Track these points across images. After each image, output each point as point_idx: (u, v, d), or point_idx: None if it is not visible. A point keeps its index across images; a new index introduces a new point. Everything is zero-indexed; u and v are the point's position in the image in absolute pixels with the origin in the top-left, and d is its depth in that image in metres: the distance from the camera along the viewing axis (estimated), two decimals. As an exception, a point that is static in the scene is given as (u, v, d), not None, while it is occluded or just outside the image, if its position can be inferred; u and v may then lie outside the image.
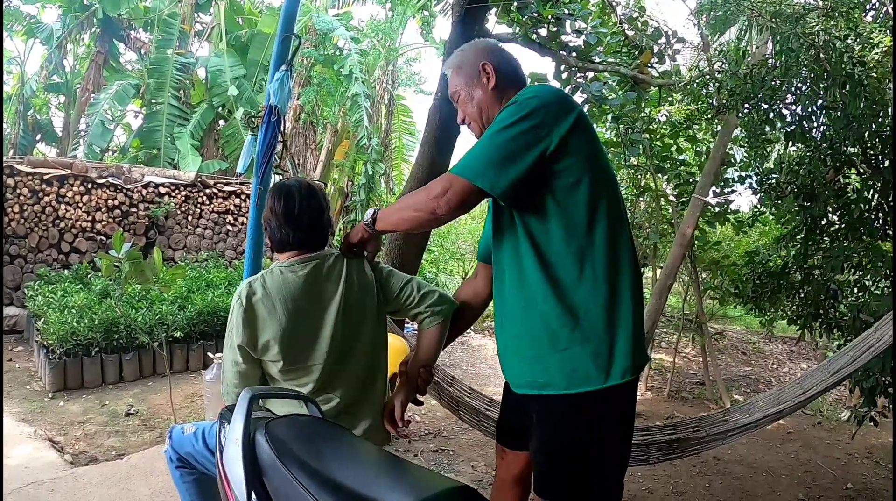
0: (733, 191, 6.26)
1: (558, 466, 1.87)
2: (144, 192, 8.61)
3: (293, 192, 2.12)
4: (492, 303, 2.13)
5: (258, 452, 1.26)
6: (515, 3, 4.76)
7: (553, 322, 1.81)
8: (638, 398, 6.28)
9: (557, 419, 1.87)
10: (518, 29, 4.88)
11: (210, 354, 4.67)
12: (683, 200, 6.61)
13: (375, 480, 1.13)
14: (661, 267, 6.61)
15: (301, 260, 2.09)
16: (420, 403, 2.28)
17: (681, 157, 6.98)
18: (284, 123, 3.25)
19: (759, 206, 5.67)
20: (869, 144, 4.16)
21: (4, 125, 12.45)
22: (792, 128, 4.43)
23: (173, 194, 8.95)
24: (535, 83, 4.38)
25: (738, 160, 6.95)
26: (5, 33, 12.58)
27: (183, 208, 9.07)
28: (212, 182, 9.51)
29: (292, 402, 1.83)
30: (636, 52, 5.58)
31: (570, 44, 5.12)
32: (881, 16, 5.06)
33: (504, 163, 1.74)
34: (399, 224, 1.99)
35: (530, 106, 1.77)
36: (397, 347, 2.63)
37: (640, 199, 7.68)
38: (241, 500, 1.22)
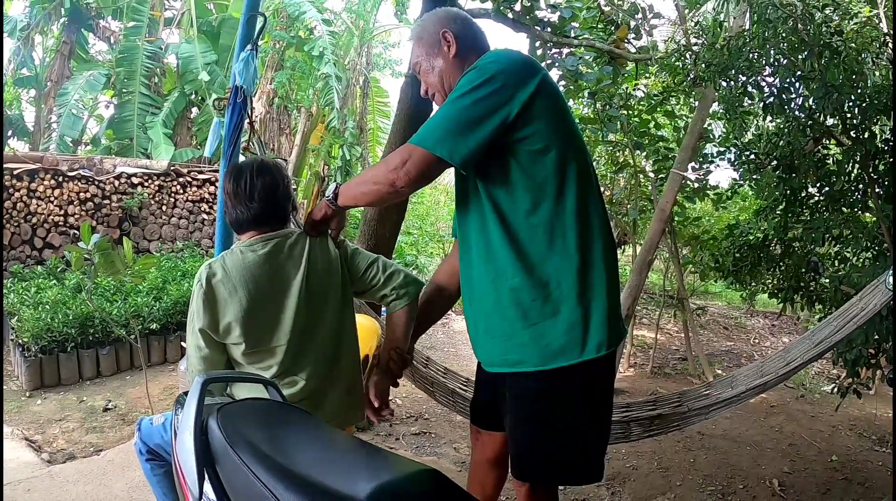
0: (712, 162, 6.24)
1: (538, 445, 1.82)
2: (117, 183, 8.43)
3: (244, 170, 2.07)
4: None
5: (210, 439, 1.19)
6: (488, -22, 4.69)
7: (524, 296, 1.76)
8: (620, 375, 6.30)
9: (533, 397, 1.81)
10: (491, 4, 4.80)
11: (184, 344, 4.59)
12: (662, 175, 6.59)
13: (333, 465, 1.06)
14: (641, 244, 6.59)
15: (261, 239, 2.03)
16: (396, 385, 2.22)
17: (659, 132, 6.96)
18: (251, 104, 3.15)
19: (737, 180, 5.65)
20: (848, 115, 4.13)
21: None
22: (770, 100, 4.39)
23: (146, 184, 8.78)
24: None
25: (717, 136, 6.94)
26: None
27: (157, 198, 8.89)
28: (185, 171, 9.35)
29: (258, 387, 1.76)
30: (612, 28, 5.52)
31: (545, 19, 5.06)
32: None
33: (464, 130, 1.67)
34: (360, 198, 1.94)
35: (491, 71, 1.71)
36: (368, 327, 2.57)
37: (619, 176, 7.66)
38: (194, 489, 1.15)
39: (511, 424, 1.88)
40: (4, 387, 5.50)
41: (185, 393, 1.40)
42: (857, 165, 4.20)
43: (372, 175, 1.85)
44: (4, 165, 7.47)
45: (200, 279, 1.95)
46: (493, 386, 1.97)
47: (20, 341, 5.57)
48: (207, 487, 1.14)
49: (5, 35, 12.46)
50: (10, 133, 13.54)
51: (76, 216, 7.98)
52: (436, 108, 2.00)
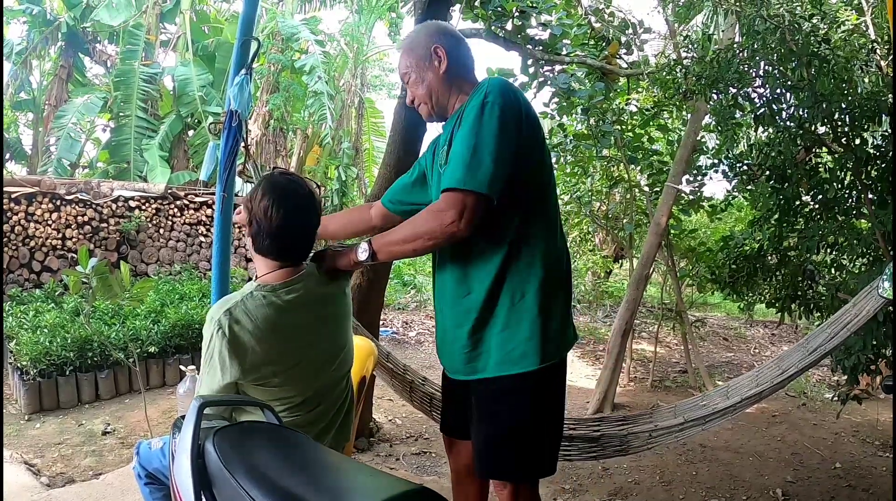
0: (705, 175, 6.26)
1: (496, 443, 1.92)
2: (114, 206, 8.46)
3: (288, 199, 1.88)
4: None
5: (207, 462, 1.19)
6: (479, -2, 4.71)
7: (492, 308, 1.87)
8: (620, 389, 6.27)
9: (492, 400, 1.92)
10: (483, 24, 4.83)
11: (183, 367, 4.58)
12: (657, 189, 6.61)
13: (327, 486, 1.07)
14: (638, 258, 6.61)
15: (285, 284, 1.90)
16: None
17: (653, 147, 6.99)
18: (246, 128, 3.16)
19: (732, 191, 5.67)
20: (839, 123, 4.16)
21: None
22: (761, 110, 4.42)
23: (143, 207, 8.81)
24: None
25: (710, 148, 6.97)
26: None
27: (154, 222, 8.92)
28: (182, 194, 9.38)
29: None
30: (603, 44, 5.57)
31: (536, 37, 5.09)
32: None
33: (500, 168, 1.74)
34: (410, 254, 1.94)
35: (504, 103, 1.78)
36: (365, 348, 2.57)
37: (614, 191, 7.68)
38: (191, 513, 1.16)
39: (475, 427, 1.98)
40: (3, 411, 5.49)
41: (183, 417, 1.41)
42: (849, 173, 4.22)
43: (424, 231, 1.79)
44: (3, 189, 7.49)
45: (222, 327, 1.78)
46: (460, 394, 2.06)
47: (19, 364, 5.55)
48: (204, 510, 1.14)
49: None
50: (7, 157, 13.56)
51: (74, 240, 8.00)
52: (433, 128, 2.06)
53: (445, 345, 2.03)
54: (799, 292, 4.82)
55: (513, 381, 1.85)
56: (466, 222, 1.72)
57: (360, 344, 2.44)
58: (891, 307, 2.61)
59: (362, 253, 1.91)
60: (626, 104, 6.80)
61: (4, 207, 7.46)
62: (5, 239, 7.46)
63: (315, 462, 1.23)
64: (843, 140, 4.19)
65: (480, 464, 1.96)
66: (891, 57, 4.34)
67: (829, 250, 4.58)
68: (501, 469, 1.94)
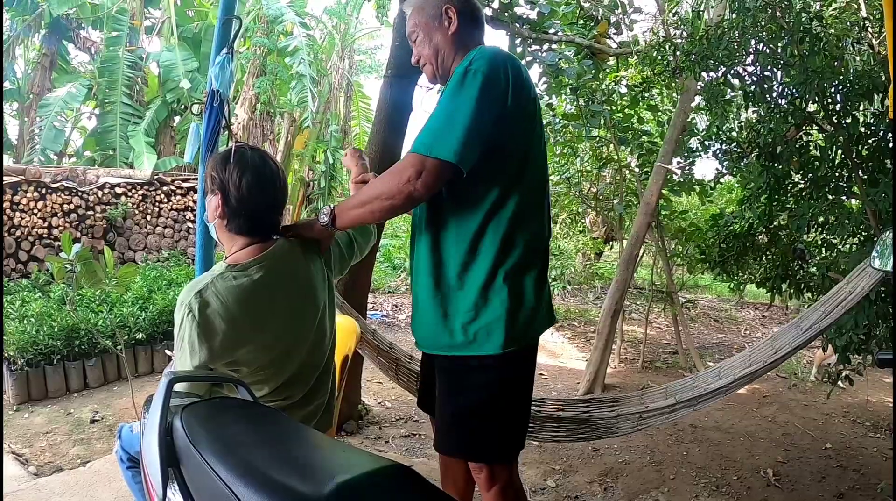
0: (696, 153, 6.22)
1: (455, 421, 1.93)
2: (100, 194, 8.38)
3: (273, 178, 1.88)
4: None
5: (175, 438, 1.15)
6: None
7: (461, 284, 1.84)
8: (611, 370, 6.24)
9: (456, 379, 1.91)
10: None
11: (169, 351, 4.54)
12: (647, 169, 6.58)
13: (298, 462, 1.03)
14: (628, 239, 6.58)
15: (255, 261, 1.84)
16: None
17: (643, 127, 6.95)
18: (228, 108, 3.12)
19: (721, 169, 5.63)
20: (829, 100, 4.12)
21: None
22: (751, 87, 4.39)
23: (130, 193, 8.73)
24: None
25: (701, 130, 6.93)
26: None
27: (141, 208, 8.86)
28: (169, 179, 9.31)
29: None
30: (592, 23, 5.52)
31: (524, 16, 5.04)
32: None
33: (472, 137, 1.68)
34: (367, 218, 1.88)
35: (487, 73, 1.73)
36: (347, 327, 2.53)
37: (604, 171, 7.65)
38: (158, 490, 1.12)
39: (437, 400, 1.99)
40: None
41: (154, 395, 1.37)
42: (839, 151, 4.19)
43: (383, 191, 1.76)
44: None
45: (192, 310, 1.72)
46: (432, 368, 2.05)
47: (6, 354, 5.50)
48: (173, 488, 1.10)
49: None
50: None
51: (60, 228, 7.92)
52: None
53: (416, 315, 2.01)
54: (789, 272, 4.81)
55: (477, 361, 1.83)
56: (424, 184, 1.68)
57: (342, 323, 2.41)
58: (882, 287, 2.58)
59: (323, 217, 1.89)
60: (616, 84, 6.76)
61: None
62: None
63: (287, 437, 1.19)
64: (833, 118, 4.16)
65: (438, 439, 1.98)
66: (883, 34, 4.30)
67: (819, 230, 4.56)
68: (458, 447, 1.95)
